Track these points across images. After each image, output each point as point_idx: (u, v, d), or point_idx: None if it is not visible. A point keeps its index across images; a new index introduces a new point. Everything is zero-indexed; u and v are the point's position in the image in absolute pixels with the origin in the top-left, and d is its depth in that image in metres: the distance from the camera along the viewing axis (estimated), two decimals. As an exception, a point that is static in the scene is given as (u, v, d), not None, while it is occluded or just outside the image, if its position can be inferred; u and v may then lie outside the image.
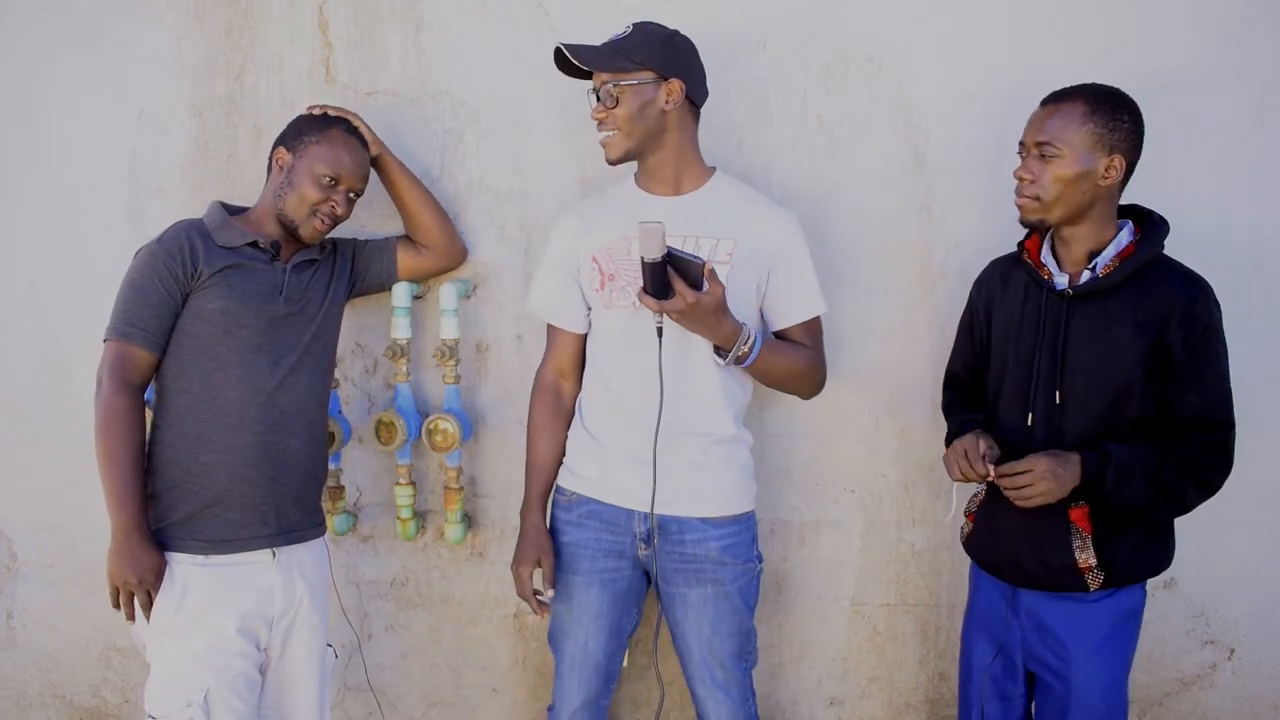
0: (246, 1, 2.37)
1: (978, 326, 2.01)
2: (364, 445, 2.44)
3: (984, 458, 1.81)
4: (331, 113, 2.11)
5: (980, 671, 1.96)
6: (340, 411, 2.41)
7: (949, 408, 2.10)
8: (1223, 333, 1.76)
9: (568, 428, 2.11)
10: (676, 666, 2.12)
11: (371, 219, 2.34)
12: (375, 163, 2.16)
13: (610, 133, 1.93)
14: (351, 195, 2.07)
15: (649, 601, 2.13)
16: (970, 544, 2.00)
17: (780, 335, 2.02)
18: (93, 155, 2.43)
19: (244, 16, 2.38)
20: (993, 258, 2.03)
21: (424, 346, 2.38)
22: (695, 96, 1.96)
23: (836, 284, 2.22)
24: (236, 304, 1.94)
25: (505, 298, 2.38)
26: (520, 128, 2.34)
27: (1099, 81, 1.81)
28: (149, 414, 1.97)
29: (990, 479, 1.80)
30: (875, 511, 2.35)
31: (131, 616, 1.89)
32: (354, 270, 2.20)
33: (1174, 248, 1.82)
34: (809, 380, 2.04)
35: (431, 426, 2.30)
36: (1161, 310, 1.73)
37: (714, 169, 2.04)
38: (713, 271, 1.78)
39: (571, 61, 1.93)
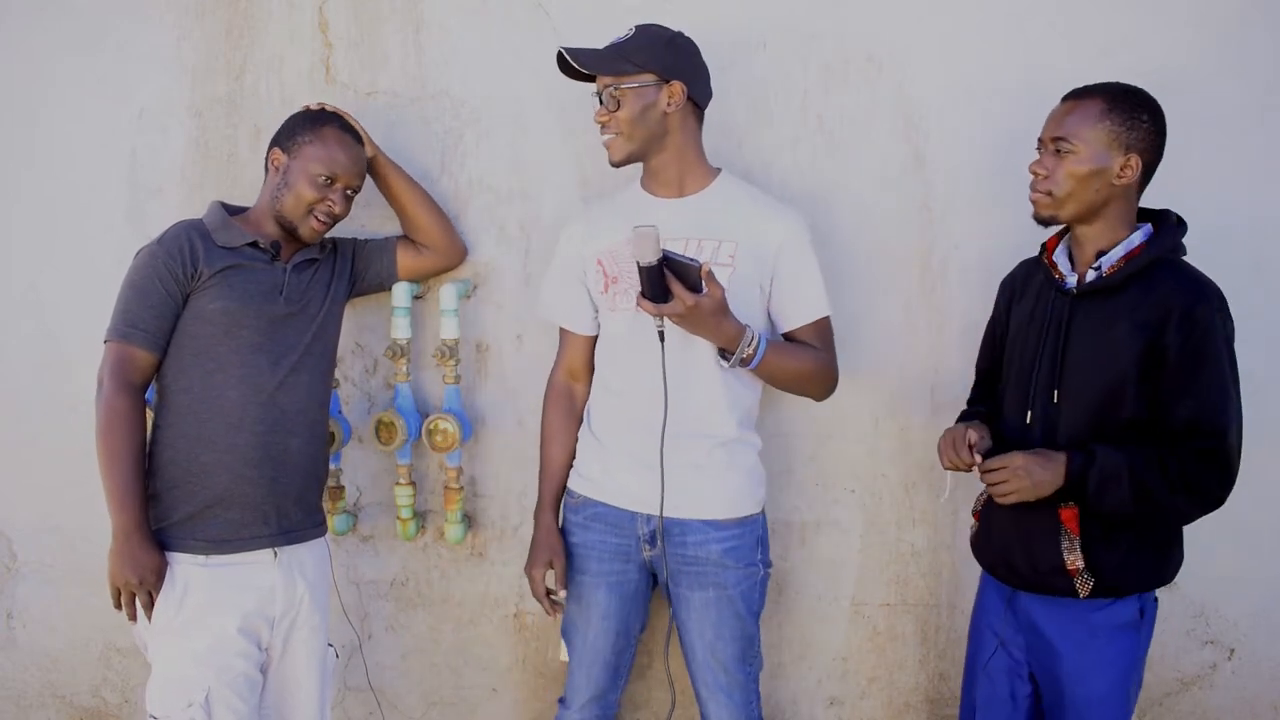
0: (246, 1, 2.37)
1: (999, 325, 2.01)
2: (364, 445, 2.44)
3: (972, 448, 1.81)
4: (329, 109, 2.10)
5: (982, 673, 1.95)
6: (340, 411, 2.41)
7: (968, 404, 2.10)
8: (1227, 340, 1.71)
9: (579, 430, 2.13)
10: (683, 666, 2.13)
11: (371, 219, 2.34)
12: (369, 164, 2.16)
13: (612, 135, 1.93)
14: (349, 192, 2.07)
15: (660, 602, 2.13)
16: (973, 544, 1.99)
17: (789, 337, 2.02)
18: (93, 155, 2.43)
19: (244, 16, 2.38)
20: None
21: (424, 346, 2.38)
22: (698, 98, 1.96)
23: (836, 284, 2.21)
24: (237, 304, 1.94)
25: (505, 298, 2.38)
26: (520, 128, 2.34)
27: (1117, 81, 1.78)
28: (150, 414, 1.97)
29: (975, 468, 1.80)
30: (875, 511, 2.35)
31: (133, 617, 1.89)
32: (354, 270, 2.20)
33: (1173, 248, 1.81)
34: (819, 382, 2.02)
35: (431, 426, 2.30)
36: (1161, 311, 1.69)
37: (719, 170, 2.04)
38: (710, 274, 1.78)
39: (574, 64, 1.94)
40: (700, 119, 2.00)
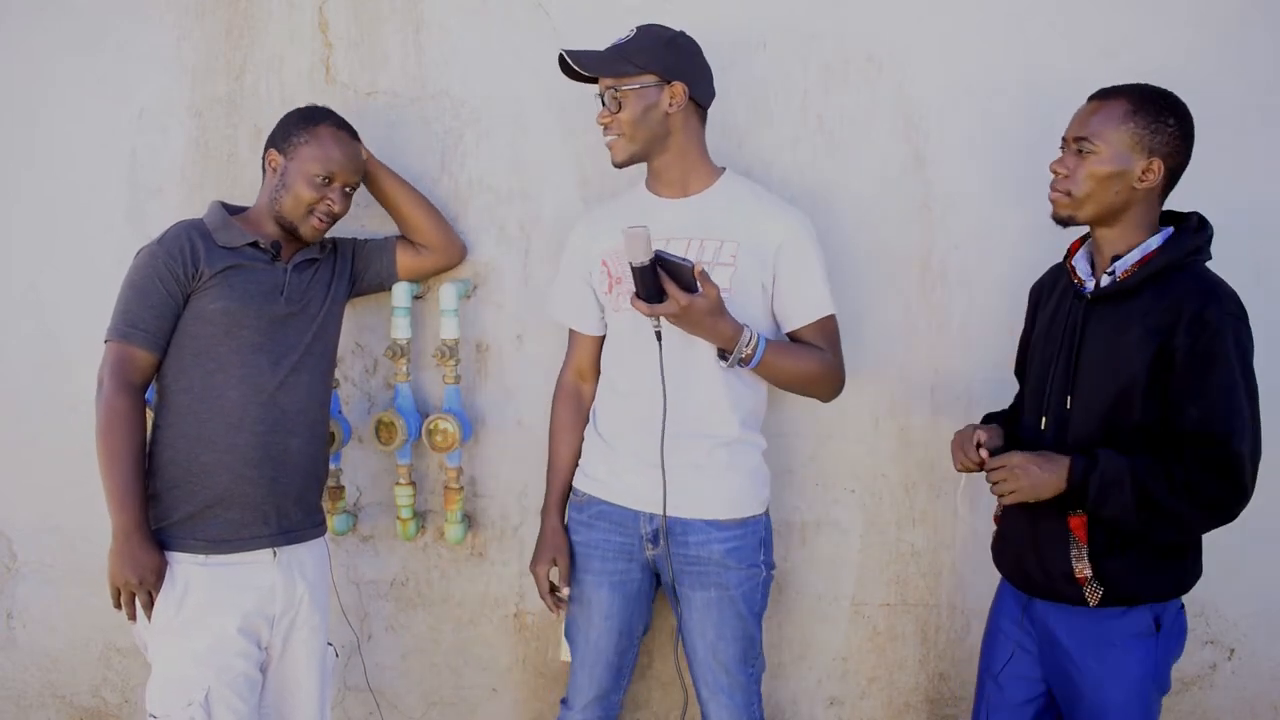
0: (246, 1, 2.37)
1: (1027, 330, 1.99)
2: (364, 445, 2.44)
3: (979, 447, 1.80)
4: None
5: (995, 679, 1.93)
6: (340, 411, 2.41)
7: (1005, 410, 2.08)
8: (1239, 344, 1.65)
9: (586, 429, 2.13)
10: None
11: (371, 219, 2.34)
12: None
13: (615, 136, 1.94)
14: (347, 189, 2.06)
15: (668, 603, 2.14)
16: (993, 549, 1.97)
17: (792, 337, 2.01)
18: (93, 155, 2.43)
19: (244, 16, 2.38)
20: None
21: (424, 346, 2.38)
22: (700, 98, 1.96)
23: (836, 284, 2.20)
24: (237, 304, 1.94)
25: (505, 298, 2.38)
26: (520, 128, 2.34)
27: (1146, 83, 1.76)
28: (150, 414, 1.97)
29: (982, 466, 1.80)
30: (875, 511, 2.35)
31: (133, 617, 1.89)
32: (354, 270, 2.20)
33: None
34: (824, 383, 2.01)
35: (431, 426, 2.30)
36: (1172, 315, 1.65)
37: (723, 169, 2.04)
38: (704, 273, 1.78)
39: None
40: (703, 119, 2.00)
